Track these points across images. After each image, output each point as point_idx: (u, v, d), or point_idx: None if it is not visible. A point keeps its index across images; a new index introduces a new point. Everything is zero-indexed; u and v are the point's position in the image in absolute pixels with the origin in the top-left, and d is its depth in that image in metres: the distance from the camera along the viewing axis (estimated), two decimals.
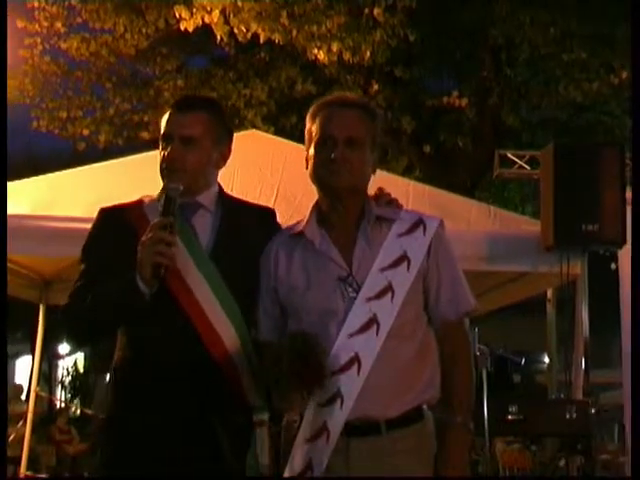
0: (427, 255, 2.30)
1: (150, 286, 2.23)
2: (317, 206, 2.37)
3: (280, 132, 8.76)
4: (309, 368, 2.11)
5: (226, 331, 2.31)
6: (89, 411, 13.09)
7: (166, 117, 2.44)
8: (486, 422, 4.92)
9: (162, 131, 2.43)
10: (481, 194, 11.33)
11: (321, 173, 2.30)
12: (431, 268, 2.31)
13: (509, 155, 6.68)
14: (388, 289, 2.24)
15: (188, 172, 2.38)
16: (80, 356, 22.34)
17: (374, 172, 2.39)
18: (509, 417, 4.87)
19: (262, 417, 2.36)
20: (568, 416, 4.73)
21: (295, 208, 4.42)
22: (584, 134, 10.55)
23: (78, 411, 15.63)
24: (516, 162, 6.54)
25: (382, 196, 2.42)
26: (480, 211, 5.47)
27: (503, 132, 10.77)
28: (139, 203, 2.48)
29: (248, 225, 2.45)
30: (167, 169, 2.39)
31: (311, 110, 2.38)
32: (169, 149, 2.39)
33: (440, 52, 10.46)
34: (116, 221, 2.43)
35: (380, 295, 2.24)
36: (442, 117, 10.39)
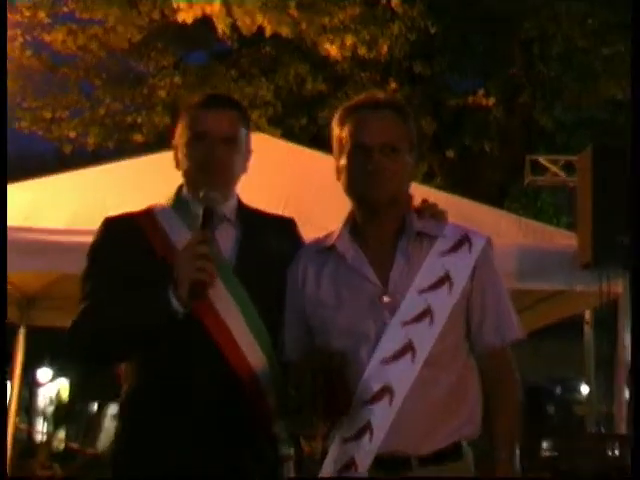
0: (471, 276, 2.29)
1: (185, 306, 2.21)
2: (350, 218, 2.35)
3: (288, 135, 8.75)
4: (334, 388, 2.09)
5: (253, 352, 2.31)
6: (74, 445, 13.07)
7: (193, 114, 2.42)
8: (517, 458, 4.90)
9: (191, 131, 2.40)
10: (510, 204, 11.31)
11: (357, 186, 2.28)
12: (475, 290, 2.29)
13: (542, 160, 6.68)
14: (427, 312, 2.22)
15: (226, 175, 2.39)
16: (64, 383, 22.33)
17: (414, 179, 2.39)
18: (542, 453, 4.84)
19: (289, 451, 2.35)
20: (610, 452, 4.70)
21: (305, 216, 4.41)
22: (626, 136, 10.50)
23: (62, 445, 15.61)
24: (549, 168, 6.54)
25: (426, 208, 2.41)
26: (509, 223, 5.46)
27: (535, 135, 10.77)
28: (149, 211, 2.46)
29: (270, 238, 2.46)
30: (202, 171, 2.37)
31: (338, 115, 2.37)
32: (200, 148, 2.37)
33: (464, 46, 10.47)
34: (124, 231, 2.40)
35: (418, 319, 2.22)
36: (466, 118, 10.40)
